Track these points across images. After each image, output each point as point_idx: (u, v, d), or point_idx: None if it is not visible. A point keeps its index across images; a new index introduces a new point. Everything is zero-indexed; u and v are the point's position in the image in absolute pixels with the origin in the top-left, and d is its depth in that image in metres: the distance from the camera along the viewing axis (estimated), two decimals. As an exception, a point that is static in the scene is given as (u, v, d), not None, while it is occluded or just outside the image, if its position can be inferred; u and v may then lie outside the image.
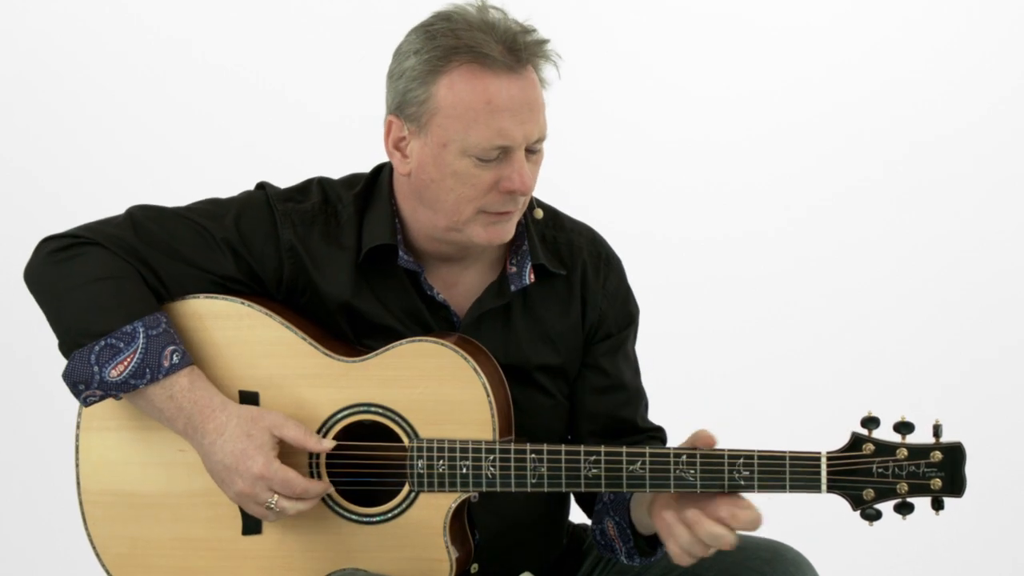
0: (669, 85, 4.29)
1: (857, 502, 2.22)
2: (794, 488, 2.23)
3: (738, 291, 4.28)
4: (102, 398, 2.31)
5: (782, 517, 2.75)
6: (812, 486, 2.22)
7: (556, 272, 2.45)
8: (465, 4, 2.32)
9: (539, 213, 2.45)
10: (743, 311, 4.28)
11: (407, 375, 2.33)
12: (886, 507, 2.22)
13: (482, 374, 2.31)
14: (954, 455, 2.19)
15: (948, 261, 4.28)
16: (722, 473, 2.24)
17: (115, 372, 2.28)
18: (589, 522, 2.58)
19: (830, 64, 4.28)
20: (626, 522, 2.40)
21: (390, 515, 2.34)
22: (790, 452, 2.23)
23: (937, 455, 2.19)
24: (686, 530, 2.23)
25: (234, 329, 2.37)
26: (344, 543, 2.35)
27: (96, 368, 2.28)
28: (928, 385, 4.11)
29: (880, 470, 2.20)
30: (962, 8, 4.24)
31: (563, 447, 2.28)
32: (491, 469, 2.29)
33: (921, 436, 2.20)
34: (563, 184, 2.82)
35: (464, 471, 2.30)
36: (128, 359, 2.28)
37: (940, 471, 2.19)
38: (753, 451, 2.23)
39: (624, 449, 2.27)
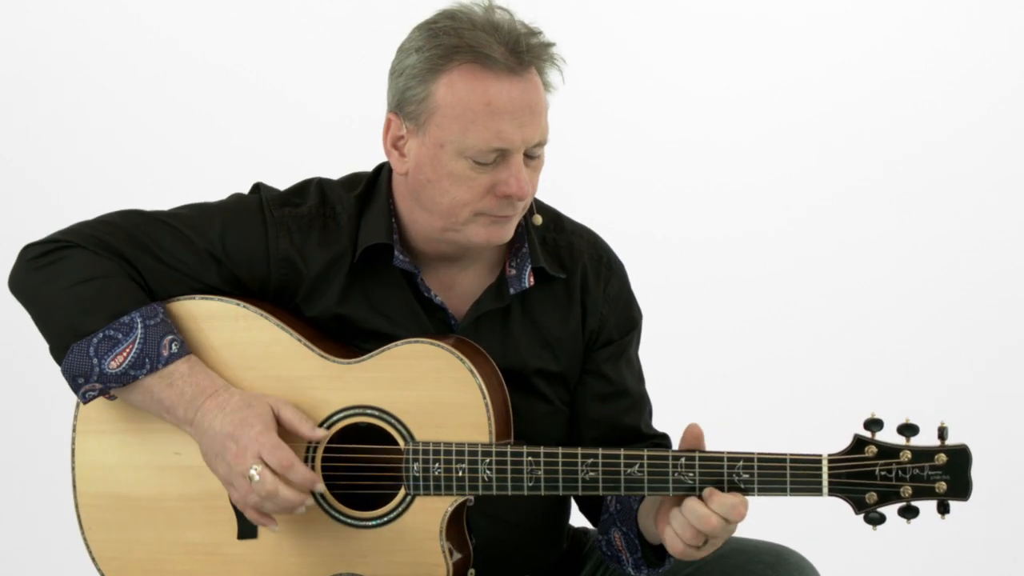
0: (669, 85, 4.27)
1: (860, 506, 2.17)
2: (795, 491, 2.18)
3: (738, 291, 4.26)
4: (101, 392, 2.28)
5: (785, 520, 2.71)
6: (813, 489, 2.17)
7: (556, 276, 2.40)
8: (471, 3, 2.27)
9: (538, 219, 2.39)
10: (743, 311, 4.26)
11: (403, 377, 2.29)
12: (890, 511, 2.17)
13: (478, 376, 2.27)
14: (960, 458, 2.15)
15: (950, 260, 4.27)
16: (722, 475, 2.19)
17: (114, 363, 2.24)
18: (589, 525, 2.54)
19: (830, 64, 4.27)
20: (633, 532, 2.35)
21: (386, 519, 2.30)
22: (791, 454, 2.18)
23: (942, 458, 2.15)
24: (679, 513, 2.19)
25: (229, 331, 2.33)
26: (339, 547, 2.31)
27: (95, 360, 2.25)
28: (933, 386, 4.09)
29: (883, 473, 2.15)
30: (963, 8, 4.23)
31: (560, 449, 2.24)
32: (487, 472, 2.25)
33: (926, 438, 2.16)
34: (562, 184, 2.78)
35: (460, 474, 2.26)
36: (127, 349, 2.24)
37: (945, 474, 2.14)
38: (753, 453, 2.19)
39: (622, 451, 2.22)
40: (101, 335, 2.24)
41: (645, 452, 2.21)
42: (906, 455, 2.15)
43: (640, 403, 2.48)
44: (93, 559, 2.38)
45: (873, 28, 4.24)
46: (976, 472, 2.15)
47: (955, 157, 4.24)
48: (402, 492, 2.29)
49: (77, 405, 2.36)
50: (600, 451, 2.23)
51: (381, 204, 2.36)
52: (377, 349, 2.31)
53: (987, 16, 4.21)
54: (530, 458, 2.23)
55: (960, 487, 2.14)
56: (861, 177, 4.26)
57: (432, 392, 2.27)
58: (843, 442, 2.18)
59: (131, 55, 4.19)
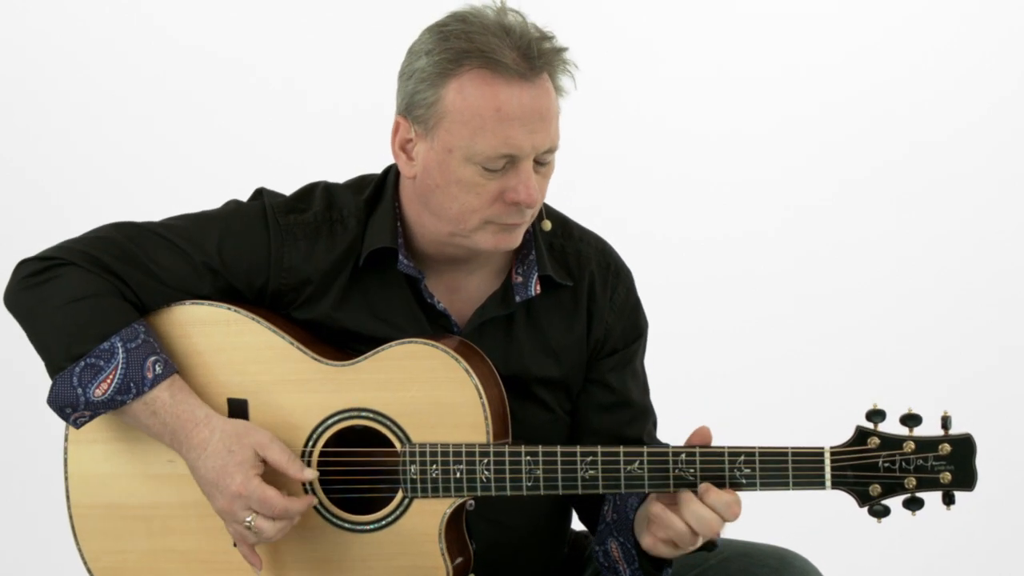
0: (668, 84, 4.25)
1: (863, 498, 2.14)
2: (797, 485, 2.15)
3: (739, 290, 4.24)
4: (92, 418, 2.26)
5: (789, 522, 2.67)
6: (816, 482, 2.14)
7: (563, 284, 2.36)
8: (483, 6, 2.23)
9: (547, 225, 2.35)
10: (744, 310, 4.24)
11: (398, 378, 2.26)
12: (894, 503, 2.14)
13: (474, 375, 2.24)
14: (964, 447, 2.12)
15: (951, 259, 4.25)
16: (723, 470, 2.16)
17: (99, 391, 2.22)
18: (580, 520, 2.50)
19: (831, 62, 4.25)
20: (631, 542, 2.31)
21: (384, 523, 2.27)
22: (792, 447, 2.15)
23: (946, 447, 2.12)
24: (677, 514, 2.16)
25: (220, 335, 2.30)
26: (337, 552, 2.28)
27: (80, 390, 2.22)
28: (933, 385, 4.06)
29: (887, 464, 2.12)
30: (966, 5, 4.22)
31: (559, 448, 2.21)
32: (486, 472, 2.22)
33: (929, 429, 2.12)
34: (561, 184, 2.73)
35: (458, 475, 2.22)
36: (110, 376, 2.22)
37: (949, 464, 2.11)
38: (754, 447, 2.16)
39: (621, 449, 2.19)
40: (83, 363, 2.22)
41: (645, 449, 2.19)
42: (909, 446, 2.12)
43: (644, 414, 2.44)
44: (88, 569, 2.35)
45: (874, 25, 4.23)
46: (980, 466, 2.12)
47: (956, 155, 4.23)
48: (400, 495, 2.25)
49: (67, 419, 2.34)
50: (599, 449, 2.20)
51: (387, 207, 2.33)
52: (371, 351, 2.27)
53: (989, 13, 4.20)
54: (528, 457, 2.20)
55: (965, 477, 2.11)
56: (862, 175, 4.24)
57: (428, 392, 2.24)
58: (843, 436, 2.15)
59: (132, 54, 4.19)
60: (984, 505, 2.41)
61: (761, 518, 2.42)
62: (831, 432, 2.32)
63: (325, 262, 2.31)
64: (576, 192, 3.08)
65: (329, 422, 2.27)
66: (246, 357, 2.29)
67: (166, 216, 2.37)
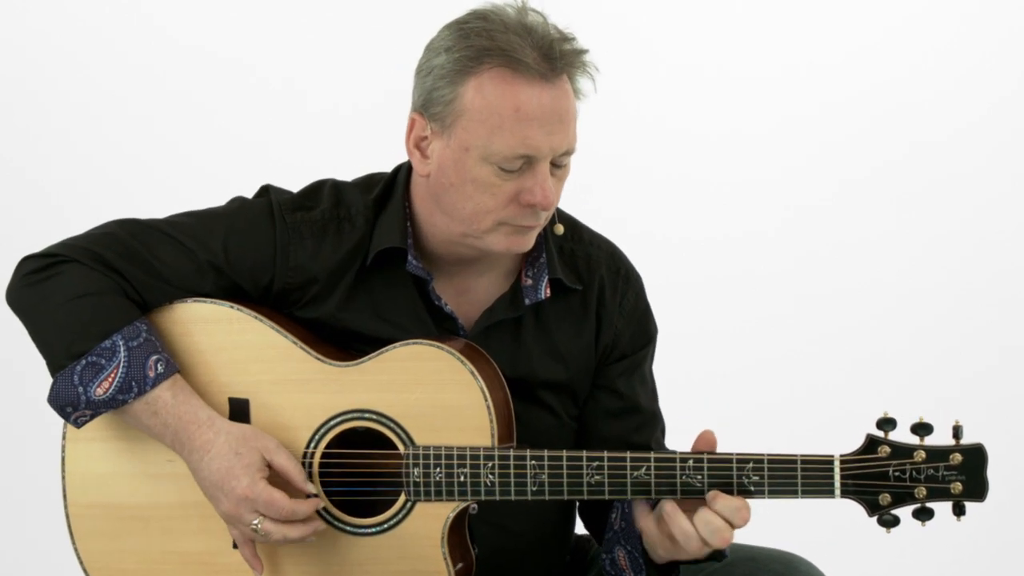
0: (669, 84, 4.23)
1: (873, 507, 2.11)
2: (806, 493, 2.12)
3: (739, 290, 4.22)
4: (93, 417, 2.23)
5: (795, 527, 2.64)
6: (825, 491, 2.11)
7: (573, 287, 2.33)
8: (504, 4, 2.20)
9: (560, 229, 2.31)
10: (749, 311, 4.22)
11: (402, 379, 2.22)
12: (904, 513, 2.11)
13: (480, 377, 2.20)
14: (975, 457, 2.08)
15: (964, 256, 4.23)
16: (731, 477, 2.13)
17: (100, 390, 2.19)
18: (587, 529, 2.47)
19: (830, 64, 4.22)
20: (638, 551, 2.27)
21: (386, 526, 2.23)
22: (801, 455, 2.12)
23: (957, 457, 2.08)
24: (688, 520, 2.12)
25: (222, 334, 2.27)
26: (338, 555, 2.25)
27: (80, 388, 2.19)
28: (944, 386, 4.05)
29: (897, 473, 2.09)
30: (966, 5, 4.20)
31: (564, 452, 2.18)
32: (490, 476, 2.18)
33: (940, 438, 2.10)
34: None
35: (462, 479, 2.19)
36: (112, 375, 2.19)
37: (961, 474, 2.08)
38: (763, 455, 2.13)
39: (628, 454, 2.16)
40: (84, 362, 2.19)
41: (652, 455, 2.16)
42: (920, 455, 2.09)
43: (652, 421, 2.40)
44: (85, 570, 2.32)
45: (874, 25, 4.21)
46: (992, 473, 2.09)
47: (957, 155, 4.20)
48: (402, 498, 2.22)
49: (66, 418, 2.31)
50: (605, 454, 2.17)
51: (397, 207, 2.30)
52: (375, 351, 2.24)
53: (989, 14, 4.18)
54: (534, 462, 2.17)
55: (976, 488, 2.08)
56: (862, 175, 4.22)
57: (432, 394, 2.21)
58: (853, 444, 2.12)
59: (132, 54, 4.16)
60: (993, 514, 2.38)
61: (767, 523, 2.38)
62: (830, 433, 2.33)
63: (331, 261, 2.28)
64: (576, 192, 3.05)
65: (331, 423, 2.24)
66: (248, 356, 2.26)
67: (168, 214, 2.34)
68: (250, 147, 4.11)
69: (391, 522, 2.22)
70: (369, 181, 2.36)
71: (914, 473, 2.08)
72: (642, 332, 2.39)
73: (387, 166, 2.39)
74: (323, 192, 2.33)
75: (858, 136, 4.21)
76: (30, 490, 3.89)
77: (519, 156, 2.16)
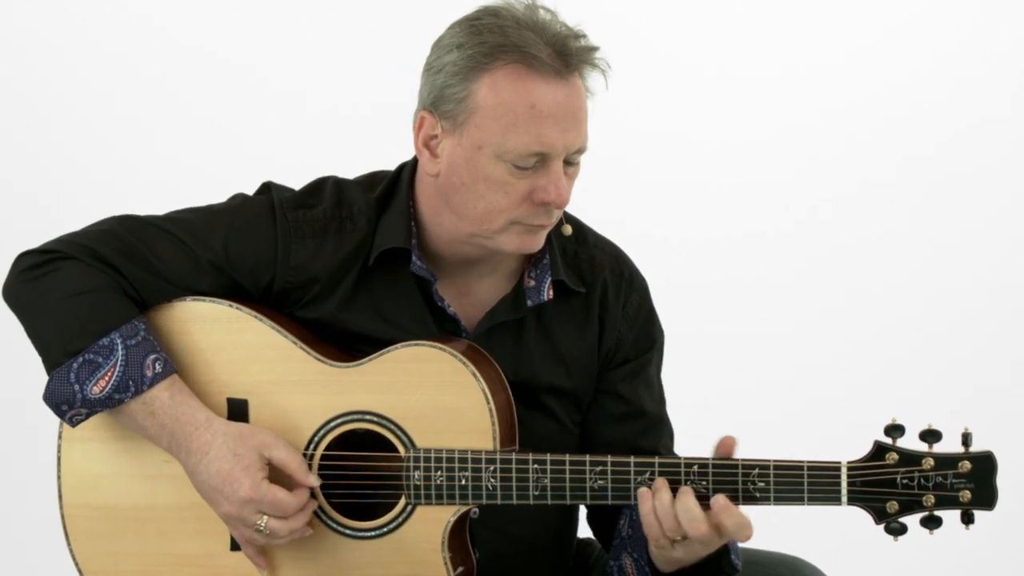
0: (669, 84, 4.21)
1: (880, 515, 2.08)
2: (813, 500, 2.09)
3: (738, 290, 4.20)
4: (88, 416, 2.20)
5: (801, 530, 2.60)
6: (832, 498, 2.09)
7: (576, 290, 2.30)
8: (514, 0, 2.17)
9: (568, 230, 2.29)
10: (743, 310, 4.20)
11: (403, 381, 2.20)
12: (912, 521, 2.09)
13: (482, 379, 2.17)
14: (984, 465, 2.06)
15: (974, 261, 4.20)
16: (736, 484, 2.10)
17: (97, 388, 2.16)
18: (595, 536, 2.44)
19: (830, 64, 4.20)
20: (644, 559, 2.24)
21: (385, 529, 2.21)
22: (808, 461, 2.09)
23: (966, 465, 2.06)
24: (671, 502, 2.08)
25: (221, 333, 2.24)
26: (337, 559, 2.22)
27: (77, 386, 2.16)
28: (956, 391, 4.04)
29: (905, 481, 2.07)
30: (966, 5, 4.18)
31: (567, 456, 2.15)
32: (491, 480, 2.16)
33: (949, 445, 2.07)
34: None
35: (463, 483, 2.16)
36: (109, 373, 2.16)
37: (969, 482, 2.06)
38: (769, 460, 2.10)
39: (632, 459, 2.13)
40: (81, 359, 2.16)
41: (656, 459, 2.13)
42: (928, 462, 2.06)
43: (658, 426, 2.36)
44: (80, 572, 2.28)
45: (874, 25, 4.19)
46: (1002, 481, 2.06)
47: (961, 155, 4.18)
48: (402, 501, 2.20)
49: (61, 417, 2.29)
50: (609, 458, 2.14)
51: (401, 206, 2.26)
52: (376, 352, 2.21)
53: (988, 14, 4.16)
54: (536, 466, 2.15)
55: (985, 496, 2.06)
56: (862, 176, 4.20)
57: (433, 396, 2.18)
58: (861, 451, 2.10)
59: (132, 54, 4.14)
60: (1002, 523, 2.35)
61: (772, 527, 2.36)
62: (837, 439, 2.28)
63: (332, 260, 2.25)
64: (575, 192, 3.03)
65: (331, 425, 2.21)
66: (247, 356, 2.23)
67: (168, 211, 2.31)
68: (250, 147, 4.09)
69: (391, 526, 2.20)
70: (372, 179, 2.32)
71: (922, 481, 2.06)
72: (646, 336, 2.36)
73: (387, 167, 2.36)
74: (325, 190, 2.30)
75: (859, 136, 4.19)
76: (25, 491, 3.86)
77: (533, 154, 2.13)
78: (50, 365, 2.18)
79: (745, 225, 4.20)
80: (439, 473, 2.16)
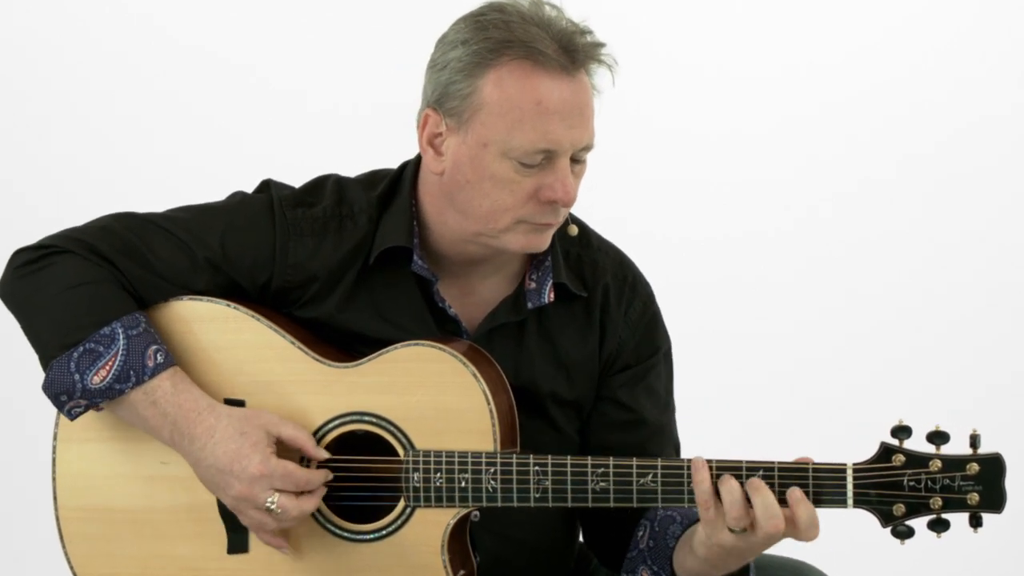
0: (669, 84, 4.18)
1: (887, 518, 2.04)
2: (818, 502, 2.04)
3: (738, 291, 4.17)
4: (87, 408, 2.15)
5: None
6: (837, 500, 2.04)
7: (577, 294, 2.25)
8: None
9: (574, 230, 2.24)
10: (743, 310, 4.17)
11: (403, 381, 2.16)
12: (919, 524, 2.04)
13: (482, 380, 2.14)
14: (993, 467, 2.01)
15: (981, 261, 4.17)
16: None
17: (97, 378, 2.11)
18: (595, 553, 2.38)
19: (830, 64, 4.17)
20: (667, 572, 2.19)
21: (384, 532, 2.17)
22: (813, 463, 2.05)
23: (974, 467, 2.01)
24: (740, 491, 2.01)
25: (219, 332, 2.21)
26: (335, 562, 2.18)
27: (77, 376, 2.11)
28: (963, 392, 4.01)
29: (912, 483, 2.03)
30: (967, 5, 4.16)
31: (569, 458, 2.11)
32: (492, 483, 2.12)
33: (957, 447, 2.03)
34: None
35: (463, 485, 2.12)
36: (110, 363, 2.11)
37: (977, 485, 2.01)
38: (773, 462, 2.06)
39: (634, 460, 2.09)
40: (82, 348, 2.11)
41: (659, 461, 2.09)
42: (936, 464, 2.02)
43: (660, 435, 2.30)
44: (75, 574, 2.25)
45: (874, 25, 4.16)
46: (1010, 484, 2.02)
47: (961, 155, 4.15)
48: (401, 504, 2.16)
49: (59, 412, 2.22)
50: (611, 460, 2.10)
51: (403, 205, 2.22)
52: (375, 352, 2.17)
53: (988, 15, 4.14)
54: (537, 467, 2.11)
55: (993, 499, 2.01)
56: (862, 175, 4.18)
57: (433, 397, 2.15)
58: (867, 453, 2.06)
59: (131, 54, 4.11)
60: (1010, 525, 2.32)
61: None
62: (843, 441, 2.25)
63: (332, 259, 2.21)
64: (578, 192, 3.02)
65: (330, 426, 2.18)
66: (245, 356, 2.20)
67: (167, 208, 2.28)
68: (250, 147, 4.06)
69: (390, 528, 2.16)
70: (373, 178, 2.28)
71: (929, 483, 2.02)
72: (648, 342, 2.30)
73: (387, 166, 2.32)
74: (325, 188, 2.26)
75: (859, 136, 4.17)
76: (20, 493, 3.80)
77: (540, 151, 2.08)
78: (45, 360, 2.14)
79: (745, 225, 4.17)
80: (438, 475, 2.13)
